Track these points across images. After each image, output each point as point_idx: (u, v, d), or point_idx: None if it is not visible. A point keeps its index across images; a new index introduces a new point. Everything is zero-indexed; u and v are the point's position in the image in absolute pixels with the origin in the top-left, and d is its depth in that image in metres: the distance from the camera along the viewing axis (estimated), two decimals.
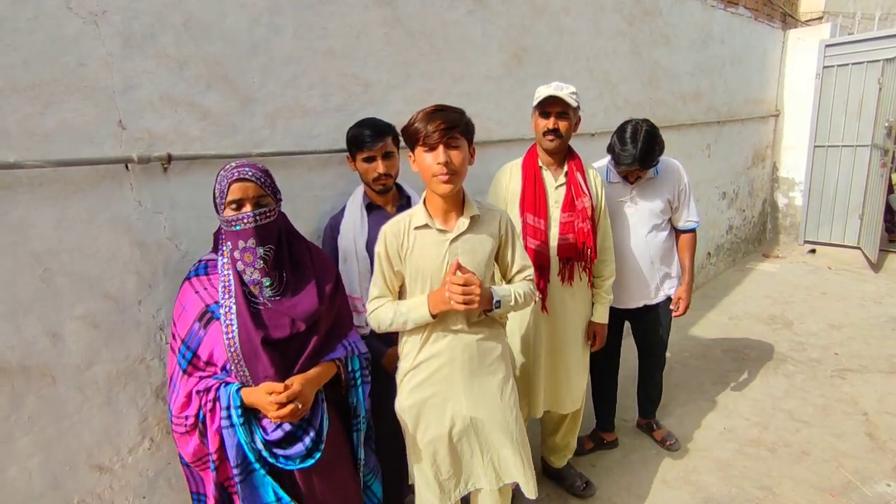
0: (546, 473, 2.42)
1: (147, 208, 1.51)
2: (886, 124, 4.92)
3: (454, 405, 1.52)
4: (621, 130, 2.16)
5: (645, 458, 2.56)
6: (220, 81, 1.63)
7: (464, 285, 1.36)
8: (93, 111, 1.39)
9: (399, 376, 1.59)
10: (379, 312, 1.51)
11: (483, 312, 1.51)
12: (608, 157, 2.31)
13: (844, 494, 2.26)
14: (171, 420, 1.34)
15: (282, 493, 1.33)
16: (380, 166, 1.72)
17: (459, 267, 1.40)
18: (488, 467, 1.59)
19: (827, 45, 5.52)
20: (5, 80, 1.25)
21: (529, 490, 1.60)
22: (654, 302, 2.41)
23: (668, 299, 2.44)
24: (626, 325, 2.56)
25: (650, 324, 2.48)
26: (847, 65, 5.41)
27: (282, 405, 1.26)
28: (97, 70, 1.38)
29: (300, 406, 1.29)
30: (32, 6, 1.27)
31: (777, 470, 2.43)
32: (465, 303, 1.36)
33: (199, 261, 1.42)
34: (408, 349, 1.56)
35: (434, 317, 1.45)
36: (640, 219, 2.31)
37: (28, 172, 1.30)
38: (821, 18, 6.04)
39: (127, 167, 1.46)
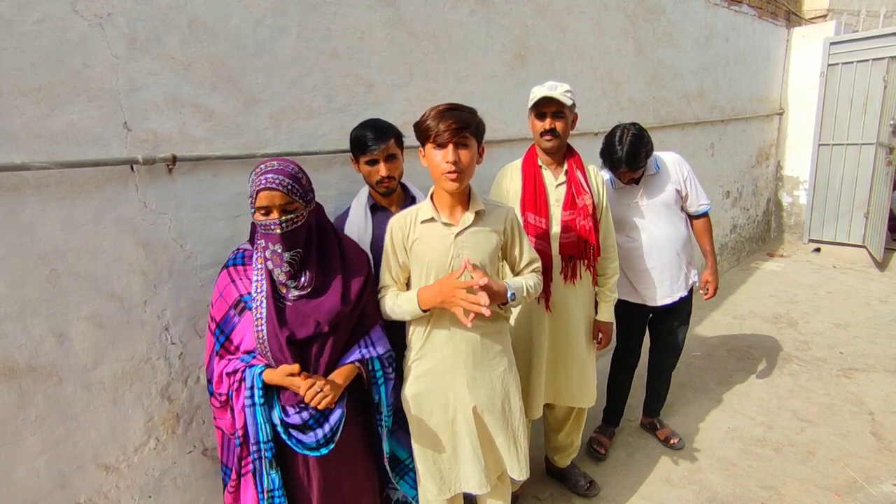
0: (550, 473, 2.43)
1: (152, 209, 1.52)
2: (892, 122, 4.90)
3: (456, 395, 1.57)
4: (610, 135, 2.21)
5: (649, 458, 2.56)
6: (225, 82, 1.64)
7: (482, 289, 1.37)
8: (98, 113, 1.40)
9: (405, 365, 1.63)
10: (382, 302, 1.57)
11: (498, 305, 1.55)
12: None
13: (850, 494, 2.25)
14: (212, 393, 1.43)
15: (279, 483, 1.40)
16: (382, 169, 1.72)
17: (475, 269, 1.41)
18: (487, 466, 1.62)
19: (831, 43, 5.49)
20: (12, 83, 1.26)
21: (513, 471, 1.66)
22: (686, 293, 2.43)
23: (692, 290, 2.47)
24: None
25: (676, 318, 2.50)
26: (852, 62, 5.39)
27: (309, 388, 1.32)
28: (103, 72, 1.40)
29: (327, 396, 1.34)
30: (39, 9, 1.28)
31: (782, 469, 2.42)
32: (468, 311, 1.37)
33: (238, 249, 1.48)
34: (414, 340, 1.60)
35: (425, 311, 1.48)
36: (658, 214, 2.34)
37: (35, 174, 1.31)
38: (825, 16, 6.01)
39: (132, 168, 1.47)
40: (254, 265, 1.41)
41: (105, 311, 1.46)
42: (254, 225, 1.44)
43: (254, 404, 1.35)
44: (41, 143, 1.32)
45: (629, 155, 2.13)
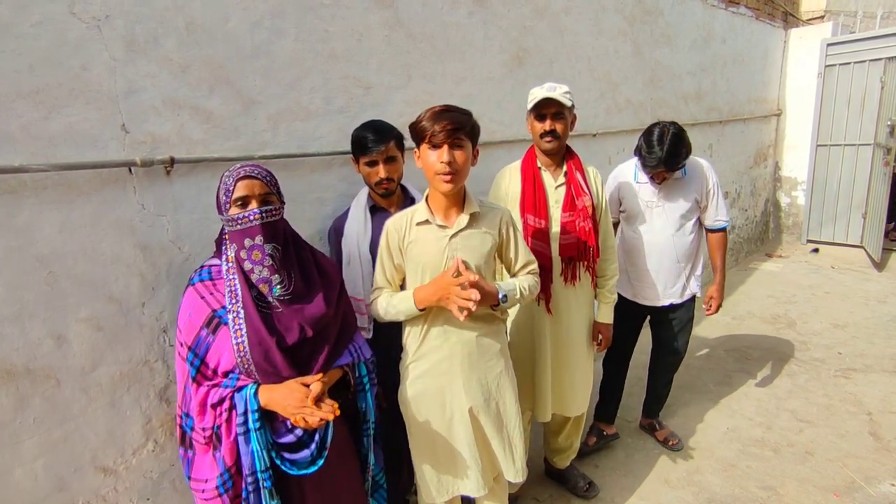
0: (549, 474, 2.43)
1: (150, 211, 1.52)
2: (889, 123, 4.91)
3: (453, 397, 1.57)
4: (648, 133, 2.18)
5: (648, 459, 2.56)
6: (223, 85, 1.64)
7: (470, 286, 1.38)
8: (96, 115, 1.40)
9: (402, 367, 1.63)
10: (375, 303, 1.58)
11: (491, 307, 1.55)
12: (635, 158, 2.33)
13: (848, 494, 2.25)
14: (191, 428, 1.32)
15: None
16: (381, 171, 1.72)
17: (465, 268, 1.43)
18: (484, 468, 1.62)
19: (829, 44, 5.51)
20: (10, 85, 1.26)
21: (509, 473, 1.65)
22: (680, 301, 2.42)
23: (693, 298, 2.46)
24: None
25: (675, 322, 2.48)
26: (849, 63, 5.41)
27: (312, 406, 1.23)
28: (101, 74, 1.39)
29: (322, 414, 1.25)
30: (37, 12, 1.28)
31: (781, 470, 2.42)
32: (462, 307, 1.38)
33: (202, 266, 1.39)
34: (410, 342, 1.60)
35: (421, 310, 1.49)
36: (668, 218, 2.33)
37: (33, 176, 1.31)
38: (822, 17, 6.03)
39: (130, 170, 1.47)
40: (224, 277, 1.31)
41: (103, 314, 1.46)
42: (220, 238, 1.38)
43: (248, 430, 1.24)
44: (39, 145, 1.32)
45: (669, 154, 2.11)
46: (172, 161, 1.51)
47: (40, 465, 1.38)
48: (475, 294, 1.37)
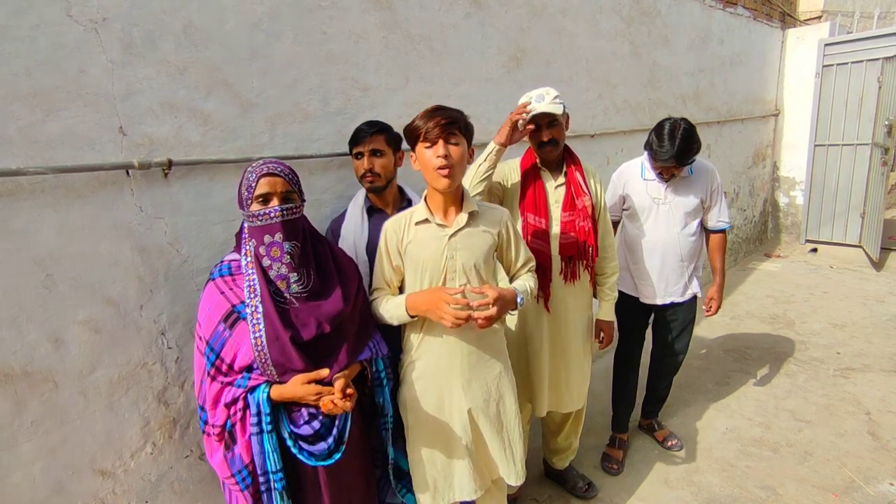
0: (548, 475, 2.43)
1: (148, 214, 1.52)
2: (886, 123, 4.92)
3: (451, 399, 1.57)
4: (659, 128, 2.17)
5: (647, 459, 2.56)
6: (220, 87, 1.64)
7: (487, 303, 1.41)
8: (94, 118, 1.40)
9: (400, 369, 1.63)
10: (373, 306, 1.58)
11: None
12: (643, 156, 2.35)
13: (847, 494, 2.26)
14: (205, 421, 1.34)
15: None
16: (365, 162, 1.74)
17: (479, 290, 1.45)
18: (482, 469, 1.62)
19: (826, 44, 5.52)
20: (7, 88, 1.26)
21: (509, 476, 1.65)
22: (682, 300, 2.42)
23: (694, 298, 2.46)
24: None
25: (676, 322, 2.48)
26: (846, 63, 5.42)
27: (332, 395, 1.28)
28: (98, 77, 1.40)
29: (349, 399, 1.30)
30: (34, 15, 1.29)
31: (780, 470, 2.42)
32: (454, 325, 1.40)
33: (222, 261, 1.40)
34: (409, 343, 1.60)
35: (413, 317, 1.50)
36: (673, 216, 2.33)
37: (30, 179, 1.31)
38: (820, 17, 6.05)
39: (128, 173, 1.47)
40: (244, 272, 1.33)
41: (101, 316, 1.46)
42: (240, 232, 1.40)
43: (261, 431, 1.28)
44: (37, 148, 1.32)
45: (681, 151, 2.10)
46: (170, 163, 1.51)
47: (38, 468, 1.38)
48: (494, 310, 1.40)
